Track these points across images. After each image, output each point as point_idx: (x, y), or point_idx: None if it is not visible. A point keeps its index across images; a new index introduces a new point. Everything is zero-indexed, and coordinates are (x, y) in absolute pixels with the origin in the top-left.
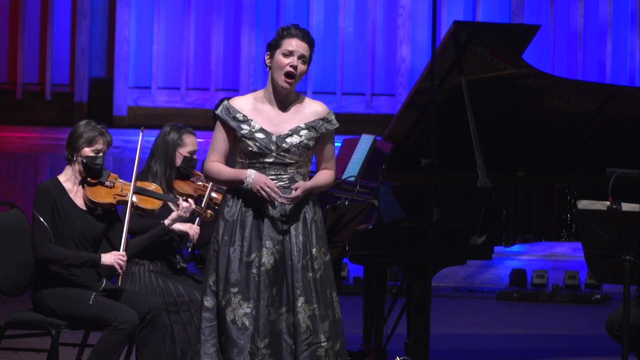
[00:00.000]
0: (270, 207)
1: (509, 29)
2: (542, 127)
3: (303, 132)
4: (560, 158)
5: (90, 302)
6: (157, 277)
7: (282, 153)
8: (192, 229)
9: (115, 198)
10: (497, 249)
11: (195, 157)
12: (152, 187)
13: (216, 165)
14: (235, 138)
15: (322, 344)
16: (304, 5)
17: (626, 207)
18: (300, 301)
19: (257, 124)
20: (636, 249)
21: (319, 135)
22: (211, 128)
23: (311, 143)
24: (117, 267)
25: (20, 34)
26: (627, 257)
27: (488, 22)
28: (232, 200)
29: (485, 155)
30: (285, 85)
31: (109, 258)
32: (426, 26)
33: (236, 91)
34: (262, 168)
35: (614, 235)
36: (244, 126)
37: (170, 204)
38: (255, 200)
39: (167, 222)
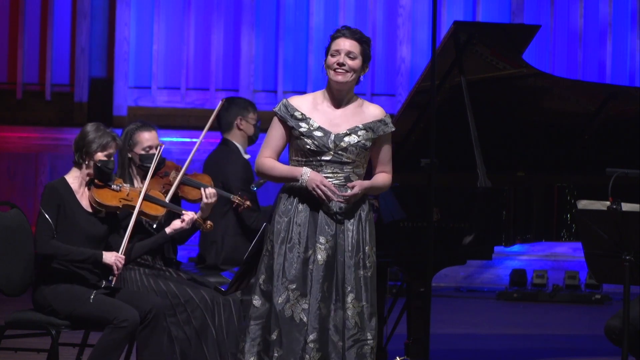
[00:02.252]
0: (325, 206)
1: (509, 29)
2: (542, 127)
3: (361, 133)
4: (560, 158)
5: (91, 300)
6: (150, 279)
7: (339, 152)
8: (117, 260)
9: (121, 202)
10: (497, 249)
11: (153, 150)
12: (159, 194)
13: (269, 161)
14: (291, 136)
15: (369, 342)
16: (304, 5)
17: (626, 207)
18: (350, 297)
19: (315, 123)
20: (636, 249)
21: (376, 137)
22: (211, 128)
23: (368, 143)
24: (115, 267)
25: (20, 34)
26: (627, 257)
27: (488, 22)
28: (287, 198)
29: (485, 155)
30: (337, 79)
31: (109, 257)
32: (426, 26)
33: (236, 91)
34: (318, 166)
35: (614, 235)
36: (302, 124)
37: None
38: (310, 198)
39: (168, 230)
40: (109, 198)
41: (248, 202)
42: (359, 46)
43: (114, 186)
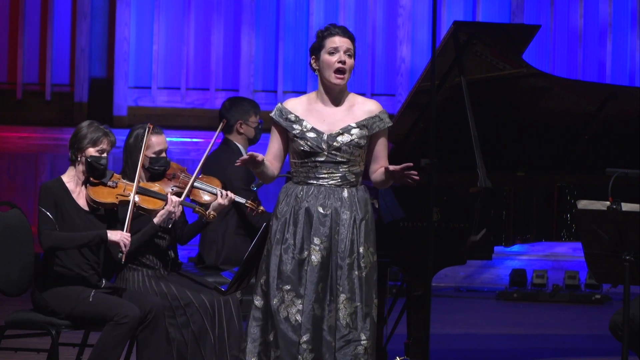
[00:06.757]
0: (320, 207)
1: (509, 29)
2: (542, 127)
3: (354, 131)
4: (560, 158)
5: (90, 299)
6: (152, 280)
7: (333, 152)
8: (123, 237)
9: (117, 198)
10: (497, 249)
11: (164, 155)
12: (156, 187)
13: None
14: (288, 139)
15: (362, 342)
16: (304, 5)
17: (626, 207)
18: (342, 298)
19: (308, 124)
20: (636, 249)
21: (371, 134)
22: (212, 128)
23: (362, 142)
24: (122, 244)
25: (20, 34)
26: (627, 257)
27: (488, 22)
28: (284, 199)
29: (485, 155)
30: (337, 81)
31: (115, 235)
32: (426, 26)
33: (236, 91)
34: (314, 167)
35: (614, 235)
36: (296, 126)
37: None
38: (307, 199)
39: (156, 220)
40: (105, 195)
41: (262, 207)
42: (352, 44)
43: (109, 183)
